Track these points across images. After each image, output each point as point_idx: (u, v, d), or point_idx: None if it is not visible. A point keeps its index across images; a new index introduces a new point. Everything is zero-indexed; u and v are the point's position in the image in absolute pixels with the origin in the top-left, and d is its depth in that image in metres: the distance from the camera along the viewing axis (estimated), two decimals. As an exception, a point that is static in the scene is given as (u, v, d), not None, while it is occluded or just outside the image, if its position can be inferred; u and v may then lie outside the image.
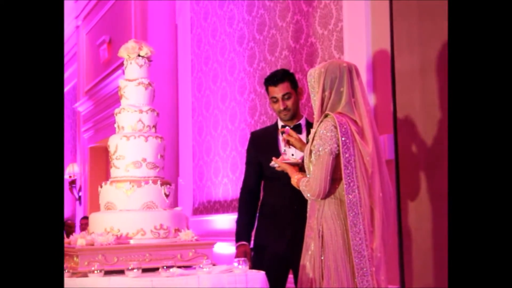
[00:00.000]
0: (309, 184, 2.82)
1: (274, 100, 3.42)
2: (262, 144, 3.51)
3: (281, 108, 3.39)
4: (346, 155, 2.75)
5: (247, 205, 3.52)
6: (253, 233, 3.54)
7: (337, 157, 2.78)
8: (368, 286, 2.72)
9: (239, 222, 3.51)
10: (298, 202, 3.09)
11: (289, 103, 3.40)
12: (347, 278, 2.75)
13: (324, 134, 2.78)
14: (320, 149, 2.78)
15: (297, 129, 3.42)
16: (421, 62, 3.53)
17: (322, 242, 2.81)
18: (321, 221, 2.82)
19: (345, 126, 2.76)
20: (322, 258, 2.81)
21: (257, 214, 3.54)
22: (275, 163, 3.07)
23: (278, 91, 3.40)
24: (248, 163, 3.59)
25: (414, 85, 3.59)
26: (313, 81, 2.89)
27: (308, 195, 2.83)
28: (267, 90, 3.48)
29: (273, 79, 3.43)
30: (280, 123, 3.50)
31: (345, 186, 2.74)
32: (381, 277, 2.75)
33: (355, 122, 2.82)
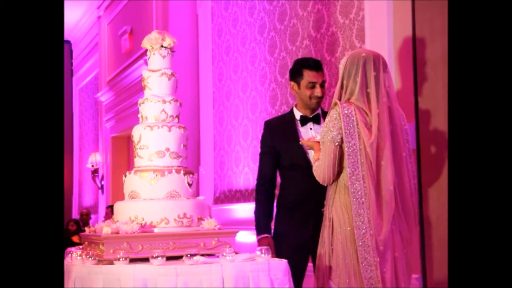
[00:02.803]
0: (316, 169, 2.92)
1: (310, 85, 3.34)
2: (281, 133, 3.46)
3: (319, 94, 3.34)
4: (350, 144, 2.79)
5: (266, 196, 3.48)
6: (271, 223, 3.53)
7: (342, 146, 2.82)
8: (372, 276, 2.73)
9: (259, 214, 3.46)
10: (320, 193, 3.08)
11: (324, 91, 3.39)
12: (354, 268, 2.78)
13: (328, 122, 2.85)
14: (324, 136, 2.86)
15: (316, 119, 3.41)
16: (443, 51, 3.52)
17: (332, 231, 2.86)
18: (332, 209, 2.88)
19: (349, 115, 2.79)
20: (332, 247, 2.84)
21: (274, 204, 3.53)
22: (302, 143, 3.16)
23: (320, 77, 3.35)
24: (264, 153, 3.52)
25: (436, 75, 3.58)
26: (341, 68, 2.96)
27: (316, 179, 2.93)
28: (300, 74, 3.37)
29: (315, 64, 3.37)
30: (298, 113, 3.43)
31: (348, 174, 2.78)
32: (384, 269, 2.75)
33: (365, 112, 2.84)
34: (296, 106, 3.47)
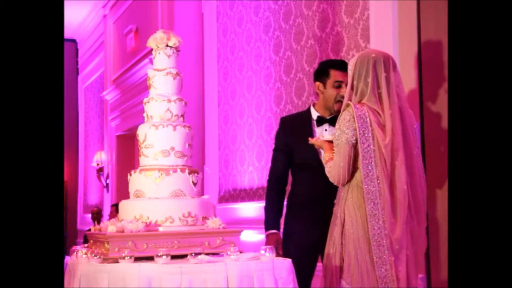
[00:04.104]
0: (330, 170, 2.90)
1: (337, 84, 3.33)
2: (295, 131, 3.44)
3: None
4: (365, 145, 2.79)
5: (276, 193, 3.47)
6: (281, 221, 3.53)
7: (357, 147, 2.81)
8: (386, 275, 2.73)
9: (268, 210, 3.46)
10: (330, 193, 3.06)
11: None
12: (367, 267, 2.78)
13: (342, 123, 2.84)
14: (338, 138, 2.84)
15: (333, 121, 3.38)
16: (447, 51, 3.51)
17: (342, 230, 2.86)
18: (344, 208, 2.88)
19: (363, 117, 2.79)
20: (344, 246, 2.84)
21: (285, 202, 3.52)
22: (311, 142, 3.12)
23: (345, 77, 3.28)
24: (277, 149, 3.51)
25: (440, 75, 3.58)
26: (350, 69, 2.94)
27: (330, 180, 2.92)
28: (327, 73, 3.36)
29: (341, 64, 3.36)
30: (315, 113, 3.40)
31: (363, 175, 2.78)
32: (400, 268, 2.75)
33: (377, 113, 2.84)
34: (314, 106, 3.45)
